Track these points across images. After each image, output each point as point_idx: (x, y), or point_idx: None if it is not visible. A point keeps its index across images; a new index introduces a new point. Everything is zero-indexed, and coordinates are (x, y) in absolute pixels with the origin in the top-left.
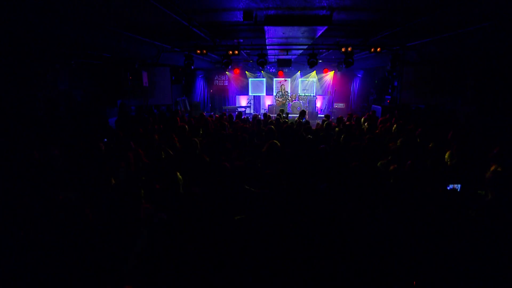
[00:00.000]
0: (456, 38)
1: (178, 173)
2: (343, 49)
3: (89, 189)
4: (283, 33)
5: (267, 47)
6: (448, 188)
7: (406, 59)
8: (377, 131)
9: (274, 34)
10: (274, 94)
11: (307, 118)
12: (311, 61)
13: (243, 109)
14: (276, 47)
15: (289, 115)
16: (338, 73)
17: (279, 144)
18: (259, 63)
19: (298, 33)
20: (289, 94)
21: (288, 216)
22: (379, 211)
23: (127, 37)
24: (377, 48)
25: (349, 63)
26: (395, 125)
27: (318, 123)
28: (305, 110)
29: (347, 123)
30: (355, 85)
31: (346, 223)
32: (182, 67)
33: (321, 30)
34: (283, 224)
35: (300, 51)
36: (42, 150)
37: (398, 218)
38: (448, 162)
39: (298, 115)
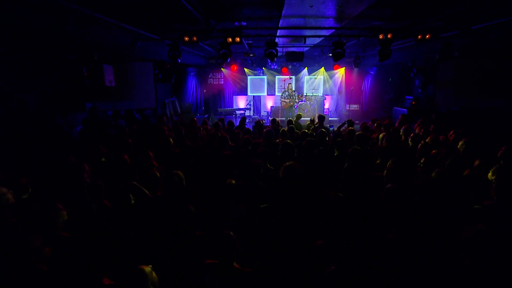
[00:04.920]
0: None
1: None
2: (381, 36)
3: None
4: (310, 7)
5: (278, 33)
6: None
7: (463, 48)
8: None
9: (295, 9)
10: (277, 93)
11: (316, 122)
12: (336, 52)
13: (242, 112)
14: (290, 32)
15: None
16: (349, 70)
17: (298, 167)
18: (267, 54)
19: (331, 9)
20: (296, 94)
21: None
22: None
23: (83, 16)
24: (426, 34)
25: (385, 55)
26: (462, 142)
27: (342, 131)
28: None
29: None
30: (367, 84)
31: None
32: (170, 62)
33: (369, 2)
34: None
35: (319, 40)
36: None
37: None
38: None
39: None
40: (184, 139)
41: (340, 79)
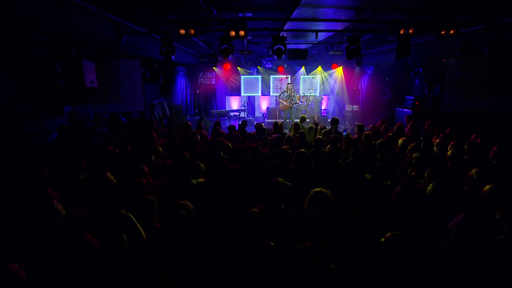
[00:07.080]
0: None
1: None
2: (401, 31)
3: None
4: None
5: (286, 26)
6: None
7: (484, 45)
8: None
9: None
10: (272, 93)
11: (319, 125)
12: (351, 49)
13: (237, 113)
14: (300, 25)
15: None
16: (347, 69)
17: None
18: (275, 51)
19: None
20: (296, 95)
21: None
22: None
23: (56, 0)
24: (450, 29)
25: (402, 52)
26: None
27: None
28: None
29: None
30: (363, 83)
31: None
32: (161, 60)
33: None
34: None
35: (325, 36)
36: None
37: None
38: None
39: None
40: (179, 147)
41: (338, 79)
